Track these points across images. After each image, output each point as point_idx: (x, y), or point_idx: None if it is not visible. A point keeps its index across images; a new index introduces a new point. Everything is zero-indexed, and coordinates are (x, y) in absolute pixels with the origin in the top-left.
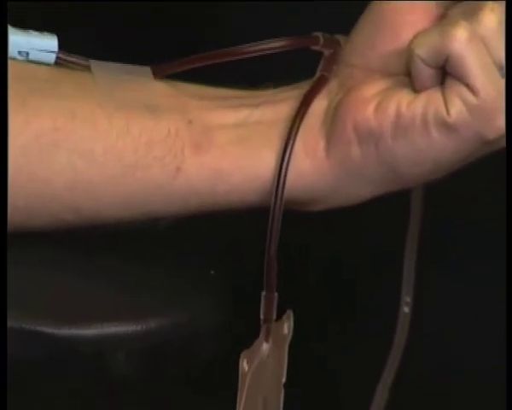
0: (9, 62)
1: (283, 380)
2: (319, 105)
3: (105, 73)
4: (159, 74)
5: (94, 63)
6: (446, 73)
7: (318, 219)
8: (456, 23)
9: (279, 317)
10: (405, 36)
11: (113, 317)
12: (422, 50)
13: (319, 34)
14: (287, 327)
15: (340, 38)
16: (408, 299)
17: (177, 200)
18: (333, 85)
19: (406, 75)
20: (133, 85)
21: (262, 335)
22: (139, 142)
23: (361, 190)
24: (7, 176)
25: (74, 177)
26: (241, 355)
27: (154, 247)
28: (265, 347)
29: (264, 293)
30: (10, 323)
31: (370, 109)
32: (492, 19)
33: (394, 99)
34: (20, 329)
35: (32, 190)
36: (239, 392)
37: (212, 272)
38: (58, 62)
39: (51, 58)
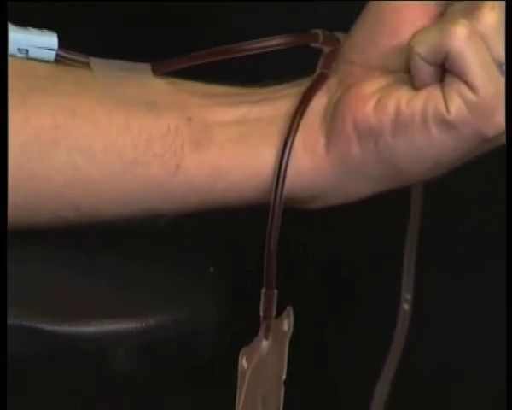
0: (9, 60)
1: (283, 377)
2: (319, 102)
3: (105, 70)
4: (158, 71)
5: (93, 60)
6: (446, 70)
7: (318, 217)
8: (455, 21)
9: (279, 314)
10: (405, 33)
11: (113, 314)
12: (422, 48)
13: (319, 31)
14: (287, 324)
15: (340, 35)
16: (408, 296)
17: (177, 197)
18: (332, 83)
19: (406, 72)
20: (133, 83)
21: (261, 332)
22: (139, 139)
23: (360, 188)
24: (7, 174)
25: (74, 174)
26: (241, 352)
27: (153, 244)
28: (265, 344)
29: (263, 290)
30: (10, 320)
31: (370, 106)
32: (492, 17)
33: (394, 96)
34: (20, 326)
35: (31, 187)
36: (238, 389)
37: (212, 269)
38: (58, 60)
39: (51, 55)
